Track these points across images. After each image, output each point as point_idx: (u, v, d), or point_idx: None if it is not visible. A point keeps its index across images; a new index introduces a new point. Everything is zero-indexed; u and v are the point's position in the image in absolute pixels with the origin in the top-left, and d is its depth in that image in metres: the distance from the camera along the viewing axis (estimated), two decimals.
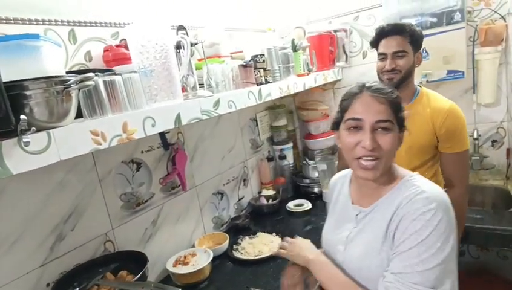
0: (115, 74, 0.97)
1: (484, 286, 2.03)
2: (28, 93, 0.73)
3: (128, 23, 1.42)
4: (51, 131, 0.76)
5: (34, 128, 0.70)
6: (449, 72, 2.18)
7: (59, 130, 0.78)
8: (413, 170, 1.53)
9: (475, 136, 2.21)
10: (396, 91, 0.96)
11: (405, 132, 0.98)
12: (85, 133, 0.83)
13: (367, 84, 0.96)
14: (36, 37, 0.79)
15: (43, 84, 0.75)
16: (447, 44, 2.14)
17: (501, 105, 2.19)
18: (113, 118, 0.91)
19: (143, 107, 1.04)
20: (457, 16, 2.09)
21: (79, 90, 0.83)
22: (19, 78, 0.73)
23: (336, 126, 1.03)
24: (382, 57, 1.57)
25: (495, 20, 2.09)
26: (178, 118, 1.09)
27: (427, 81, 2.22)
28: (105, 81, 0.93)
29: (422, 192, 0.87)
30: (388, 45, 1.54)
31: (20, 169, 0.71)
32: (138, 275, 1.15)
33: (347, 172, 1.18)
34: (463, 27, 2.09)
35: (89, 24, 1.30)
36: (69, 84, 0.78)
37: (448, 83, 2.23)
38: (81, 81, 0.80)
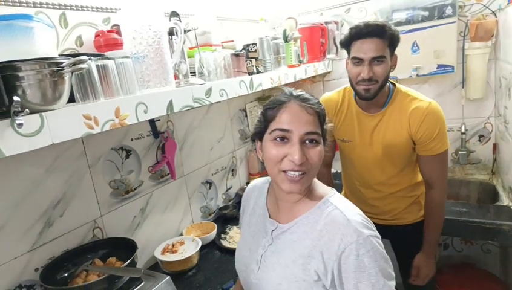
0: (108, 59, 0.96)
1: (467, 279, 2.05)
2: (20, 74, 0.72)
3: (120, 9, 1.40)
4: (43, 114, 0.75)
5: (27, 110, 0.70)
6: (439, 66, 2.18)
7: (52, 113, 0.77)
8: (392, 176, 1.48)
9: (462, 130, 2.22)
10: (321, 103, 0.91)
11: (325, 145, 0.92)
12: (78, 117, 0.83)
13: (294, 93, 0.90)
14: (28, 17, 0.78)
15: (36, 65, 0.74)
16: (438, 38, 2.14)
17: (489, 100, 2.19)
18: (106, 102, 0.90)
19: (136, 93, 1.03)
20: (448, 10, 2.09)
21: (72, 73, 0.82)
22: (11, 59, 0.72)
23: (258, 136, 0.94)
24: (357, 62, 1.36)
25: (486, 16, 2.08)
26: (170, 105, 1.09)
27: (417, 75, 2.22)
28: (97, 66, 0.92)
29: (348, 221, 0.82)
30: (366, 49, 1.33)
31: (13, 151, 0.70)
32: (128, 262, 1.15)
33: (264, 182, 1.10)
34: (455, 22, 2.09)
35: (80, 8, 1.27)
36: (63, 67, 0.78)
37: (438, 77, 2.24)
38: (74, 64, 0.79)
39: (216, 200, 2.12)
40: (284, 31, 2.02)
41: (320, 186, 0.95)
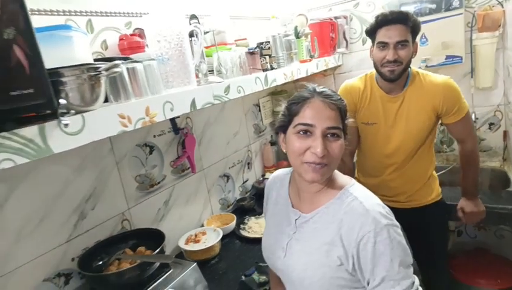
0: (136, 62, 1.03)
1: (481, 264, 2.09)
2: (64, 79, 0.79)
3: (139, 13, 1.48)
4: (84, 114, 0.83)
5: (73, 111, 0.78)
6: (447, 57, 2.22)
7: (91, 114, 0.85)
8: (413, 153, 1.58)
9: (473, 119, 2.16)
10: (343, 99, 0.96)
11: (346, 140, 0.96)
12: (113, 116, 0.90)
13: (317, 89, 0.95)
14: (67, 28, 0.87)
15: (77, 71, 0.81)
16: (446, 30, 2.18)
17: (498, 89, 2.22)
18: (137, 102, 0.98)
19: (161, 93, 1.10)
20: (455, 2, 2.12)
21: (107, 76, 0.90)
22: (54, 66, 0.79)
23: (281, 129, 1.00)
24: (383, 46, 1.49)
25: (493, 6, 2.11)
26: (193, 103, 1.16)
27: (426, 66, 2.25)
28: (128, 68, 1.00)
29: (367, 211, 0.87)
30: (391, 34, 1.45)
31: (60, 149, 0.78)
32: (158, 249, 1.23)
33: (285, 173, 1.15)
34: (462, 13, 2.12)
35: (104, 14, 1.35)
36: (100, 71, 0.85)
37: (447, 67, 2.26)
38: (110, 68, 0.87)
39: (234, 192, 2.20)
40: (295, 27, 2.08)
41: (340, 177, 1.00)
